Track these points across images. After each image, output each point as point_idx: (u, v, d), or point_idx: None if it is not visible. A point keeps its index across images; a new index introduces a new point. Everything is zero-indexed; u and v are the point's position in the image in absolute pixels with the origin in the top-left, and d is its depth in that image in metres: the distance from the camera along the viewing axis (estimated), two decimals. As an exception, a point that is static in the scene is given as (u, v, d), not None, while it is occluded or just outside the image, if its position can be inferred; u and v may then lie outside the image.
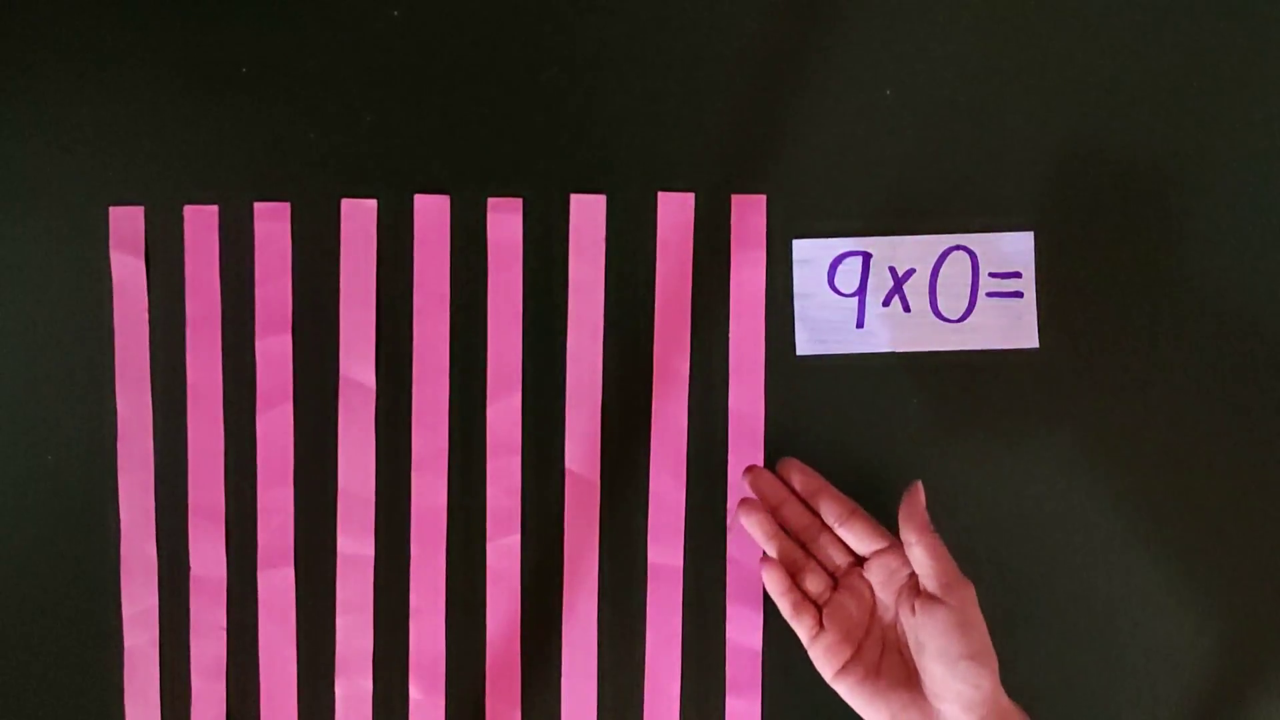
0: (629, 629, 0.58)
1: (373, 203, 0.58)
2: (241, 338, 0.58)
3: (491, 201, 0.58)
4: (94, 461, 0.58)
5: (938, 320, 0.57)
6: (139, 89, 0.57)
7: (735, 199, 0.57)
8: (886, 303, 0.57)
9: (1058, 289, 0.57)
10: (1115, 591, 0.57)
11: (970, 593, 0.49)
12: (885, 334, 0.57)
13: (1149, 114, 0.57)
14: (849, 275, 0.57)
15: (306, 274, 0.58)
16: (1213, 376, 0.57)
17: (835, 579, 0.53)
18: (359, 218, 0.58)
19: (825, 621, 0.52)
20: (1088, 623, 0.57)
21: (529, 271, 0.58)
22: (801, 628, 0.52)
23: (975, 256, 0.57)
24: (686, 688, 0.58)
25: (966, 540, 0.52)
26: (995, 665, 0.48)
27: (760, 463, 0.57)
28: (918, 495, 0.50)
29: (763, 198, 0.57)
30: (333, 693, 0.58)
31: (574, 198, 0.57)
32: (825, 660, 0.51)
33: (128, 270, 0.58)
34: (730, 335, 0.58)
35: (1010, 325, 0.57)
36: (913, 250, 0.57)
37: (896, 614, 0.51)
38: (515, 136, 0.57)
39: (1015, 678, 0.49)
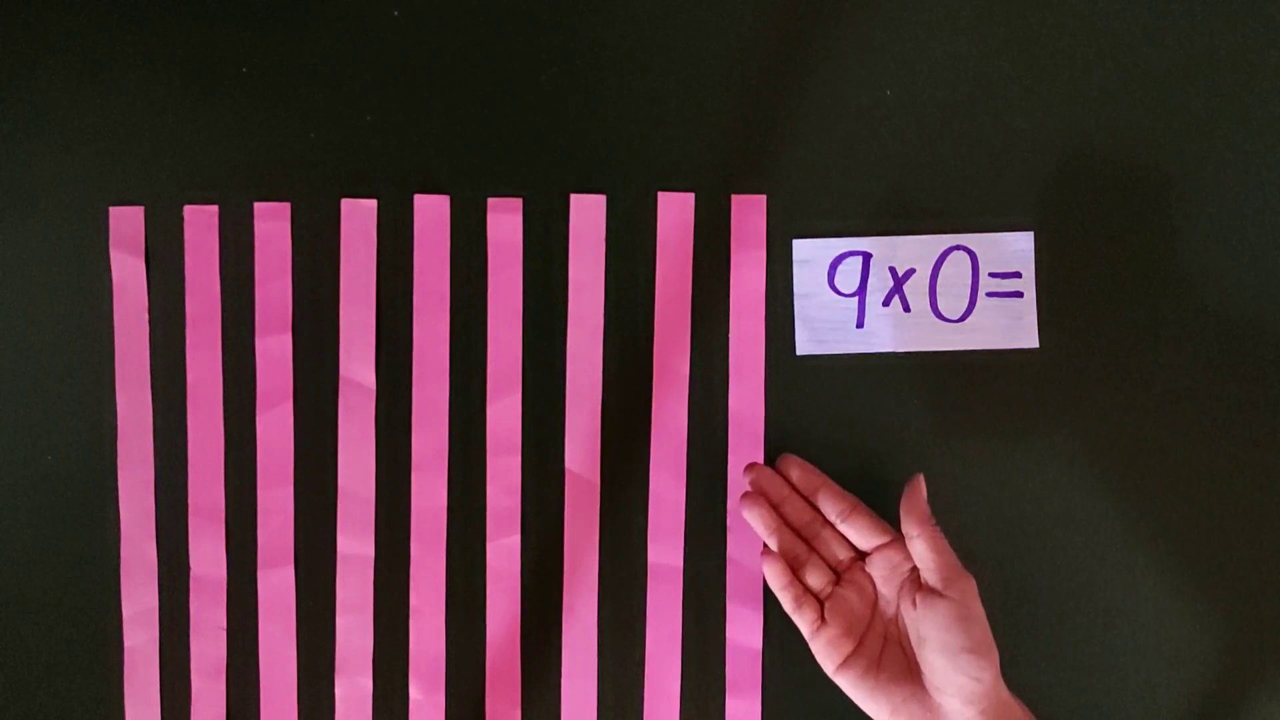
0: (629, 629, 0.58)
1: (373, 203, 0.58)
2: (241, 338, 0.58)
3: (491, 201, 0.58)
4: (94, 461, 0.58)
5: (938, 320, 0.57)
6: (139, 89, 0.57)
7: (735, 199, 0.57)
8: (886, 303, 0.57)
9: (1058, 289, 0.57)
10: (1115, 591, 0.57)
11: (971, 585, 0.49)
12: (885, 334, 0.57)
13: (1149, 114, 0.57)
14: (849, 275, 0.57)
15: (306, 274, 0.58)
16: (1213, 376, 0.57)
17: (837, 574, 0.53)
18: (359, 218, 0.58)
19: (827, 615, 0.52)
20: (1088, 622, 0.57)
21: (529, 271, 0.58)
22: (803, 622, 0.52)
23: (975, 256, 0.57)
24: (686, 688, 0.58)
25: (966, 540, 0.52)
26: (996, 658, 0.48)
27: (760, 462, 0.57)
28: (919, 488, 0.50)
29: (763, 198, 0.57)
30: (333, 693, 0.58)
31: (574, 198, 0.57)
32: (827, 654, 0.51)
33: (128, 270, 0.58)
34: (730, 335, 0.58)
35: (1010, 325, 0.57)
36: (913, 250, 0.57)
37: (898, 608, 0.51)
38: (515, 136, 0.57)
39: (1015, 676, 0.49)
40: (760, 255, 0.57)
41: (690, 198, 0.57)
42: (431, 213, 0.58)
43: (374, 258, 0.58)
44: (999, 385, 0.57)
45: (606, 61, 0.57)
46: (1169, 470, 0.57)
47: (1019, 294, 0.57)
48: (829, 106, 0.57)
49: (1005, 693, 0.48)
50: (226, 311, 0.58)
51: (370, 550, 0.58)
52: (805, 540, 0.54)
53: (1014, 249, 0.57)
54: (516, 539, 0.58)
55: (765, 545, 0.54)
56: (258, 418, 0.58)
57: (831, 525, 0.54)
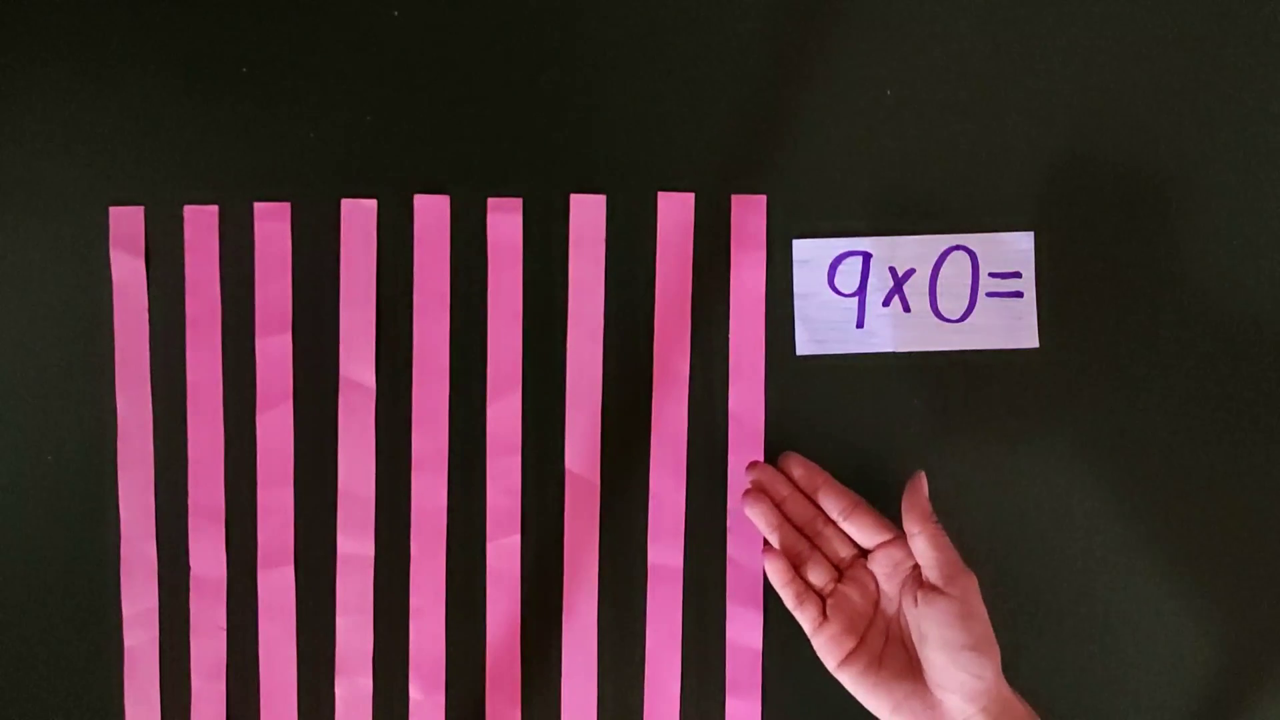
0: (629, 629, 0.58)
1: (373, 203, 0.58)
2: (241, 338, 0.58)
3: (491, 201, 0.58)
4: (94, 461, 0.58)
5: (938, 320, 0.57)
6: (139, 89, 0.57)
7: (735, 199, 0.57)
8: (886, 303, 0.57)
9: (1058, 289, 0.57)
10: (1115, 591, 0.57)
11: (972, 583, 0.49)
12: (885, 334, 0.57)
13: (1149, 114, 0.57)
14: (849, 275, 0.57)
15: (306, 274, 0.58)
16: (1212, 376, 0.57)
17: (839, 571, 0.53)
18: (359, 218, 0.58)
19: (829, 612, 0.52)
20: (1087, 622, 0.57)
21: (529, 271, 0.58)
22: (805, 619, 0.52)
23: (975, 256, 0.57)
24: (686, 688, 0.58)
25: (966, 540, 0.52)
26: (998, 656, 0.48)
27: (761, 461, 0.57)
28: (920, 485, 0.50)
29: (763, 198, 0.57)
30: (333, 693, 0.58)
31: (574, 198, 0.57)
32: (829, 651, 0.51)
33: (128, 270, 0.58)
34: (730, 335, 0.58)
35: (1010, 325, 0.57)
36: (913, 250, 0.57)
37: (900, 605, 0.51)
38: (515, 136, 0.57)
39: (1014, 676, 0.49)
40: (760, 255, 0.57)
41: (690, 198, 0.57)
42: (431, 213, 0.58)
43: (374, 258, 0.58)
44: (999, 385, 0.57)
45: (606, 61, 0.57)
46: (1168, 470, 0.57)
47: (1019, 294, 0.57)
48: (829, 106, 0.57)
49: (1007, 690, 0.48)
50: (226, 311, 0.58)
51: (370, 550, 0.58)
52: (807, 538, 0.54)
53: (1014, 249, 0.57)
54: (516, 539, 0.58)
55: (766, 542, 0.54)
56: (258, 418, 0.58)
57: (833, 523, 0.54)
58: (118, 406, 0.57)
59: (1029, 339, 0.57)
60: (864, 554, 0.53)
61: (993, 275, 0.57)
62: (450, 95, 0.57)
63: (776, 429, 0.57)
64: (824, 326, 0.57)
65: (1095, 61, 0.57)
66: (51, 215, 0.58)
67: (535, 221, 0.58)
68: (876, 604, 0.52)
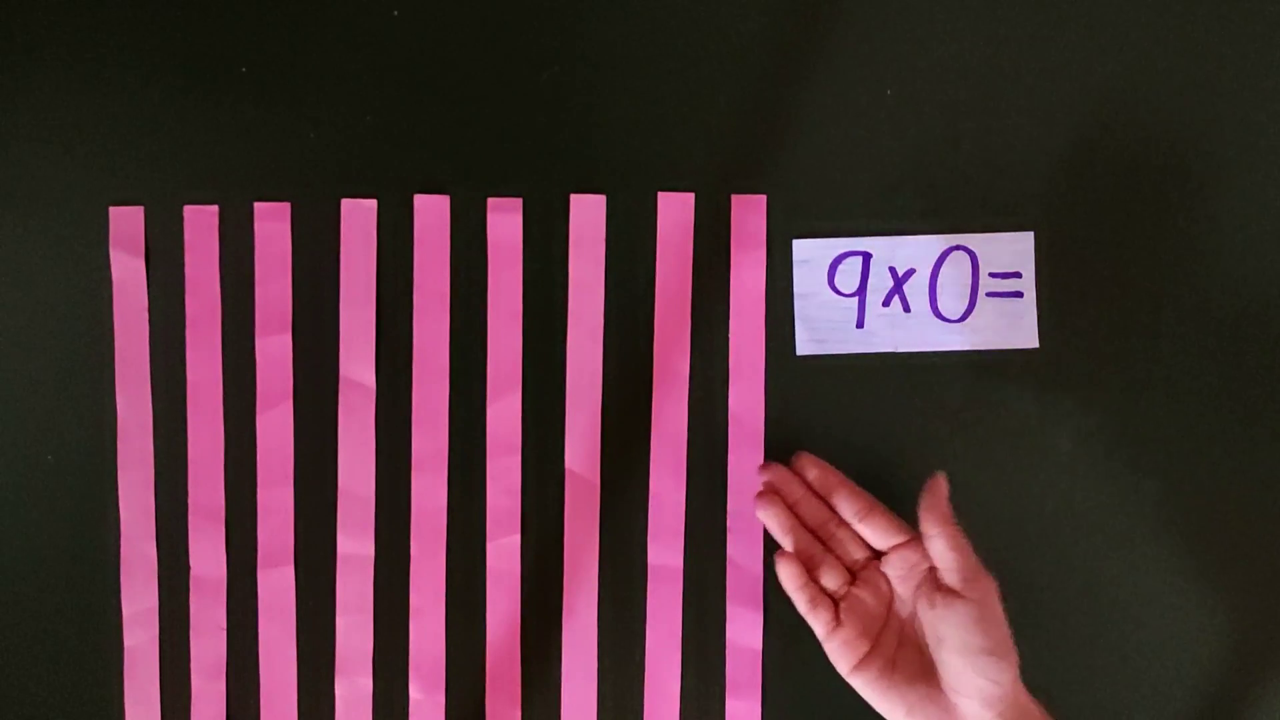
0: (629, 629, 0.58)
1: (373, 203, 0.58)
2: (241, 338, 0.58)
3: (491, 201, 0.58)
4: (94, 461, 0.58)
5: (938, 320, 0.57)
6: (139, 89, 0.57)
7: (735, 199, 0.57)
8: (886, 303, 0.57)
9: (1058, 289, 0.57)
10: (1116, 591, 0.57)
11: (992, 587, 0.48)
12: (885, 334, 0.57)
13: (1149, 114, 0.57)
14: (849, 275, 0.57)
15: (306, 274, 0.58)
16: (1213, 376, 0.57)
17: (852, 574, 0.53)
18: (359, 218, 0.58)
19: (842, 616, 0.51)
20: (1089, 623, 0.57)
21: (529, 271, 0.58)
22: (818, 623, 0.52)
23: (975, 256, 0.57)
24: (686, 688, 0.58)
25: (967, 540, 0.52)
26: (1016, 660, 0.47)
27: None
28: (940, 487, 0.49)
29: (763, 198, 0.57)
30: (333, 693, 0.58)
31: (574, 198, 0.57)
32: (842, 655, 0.51)
33: (128, 270, 0.58)
34: (730, 335, 0.58)
35: (1010, 325, 0.57)
36: (913, 250, 0.57)
37: (915, 608, 0.51)
38: (515, 136, 0.57)
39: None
40: (760, 255, 0.57)
41: (690, 198, 0.57)
42: (431, 213, 0.58)
43: (374, 258, 0.58)
44: (999, 385, 0.57)
45: (606, 61, 0.57)
46: (1169, 470, 0.57)
47: (1019, 294, 0.57)
48: (829, 106, 0.57)
49: (1024, 696, 0.47)
50: (226, 311, 0.58)
51: (370, 550, 0.58)
52: (820, 540, 0.54)
53: (1014, 249, 0.57)
54: (516, 539, 0.58)
55: (780, 546, 0.54)
56: (258, 418, 0.58)
57: (846, 525, 0.53)
58: (118, 406, 0.57)
59: (1029, 339, 0.57)
60: (876, 556, 0.53)
61: (993, 275, 0.57)
62: (450, 95, 0.57)
63: (776, 429, 0.57)
64: (824, 326, 0.57)
65: (1095, 61, 0.57)
66: (51, 215, 0.58)
67: (535, 221, 0.58)
68: (890, 607, 0.52)
